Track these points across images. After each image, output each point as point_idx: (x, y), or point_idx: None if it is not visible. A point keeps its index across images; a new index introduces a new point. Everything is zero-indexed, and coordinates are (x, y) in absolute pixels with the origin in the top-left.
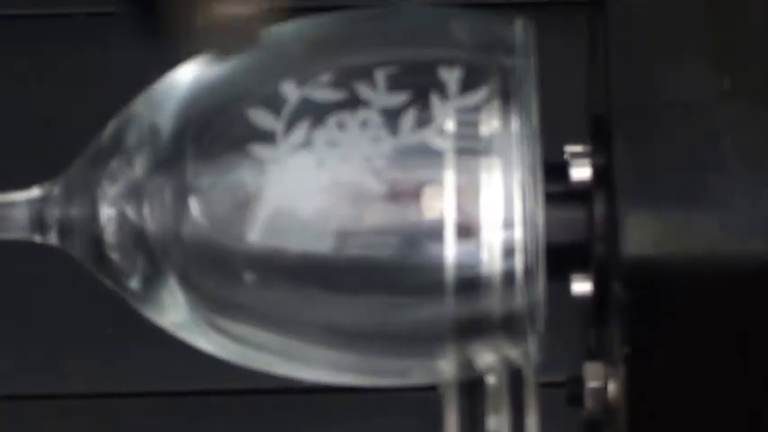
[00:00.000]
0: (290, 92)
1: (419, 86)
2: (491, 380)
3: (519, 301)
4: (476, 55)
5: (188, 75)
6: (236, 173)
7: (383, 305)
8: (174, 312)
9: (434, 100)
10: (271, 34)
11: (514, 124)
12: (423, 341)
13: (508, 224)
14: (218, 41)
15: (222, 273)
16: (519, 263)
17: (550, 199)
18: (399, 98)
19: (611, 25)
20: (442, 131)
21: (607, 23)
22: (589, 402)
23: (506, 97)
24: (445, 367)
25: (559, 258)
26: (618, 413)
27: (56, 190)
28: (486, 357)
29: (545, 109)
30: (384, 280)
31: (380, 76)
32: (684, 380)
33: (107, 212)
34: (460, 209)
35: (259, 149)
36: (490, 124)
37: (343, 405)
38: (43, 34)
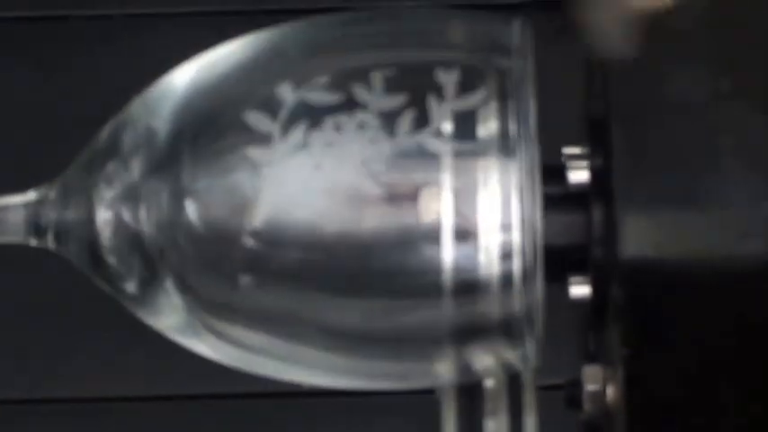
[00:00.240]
0: (287, 94)
1: (416, 88)
2: (489, 383)
3: (517, 303)
4: (473, 57)
5: (184, 77)
6: (232, 175)
7: (380, 308)
8: (170, 316)
9: (431, 102)
10: (267, 37)
11: (512, 126)
12: (420, 344)
13: (506, 227)
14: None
15: (219, 276)
16: (517, 265)
17: (548, 201)
18: (396, 100)
19: None
20: (439, 133)
21: None
22: (587, 405)
23: (504, 99)
24: (443, 370)
25: (557, 261)
26: (616, 416)
27: (52, 193)
28: (485, 360)
29: (542, 111)
30: (381, 283)
31: (377, 78)
32: (683, 383)
33: (103, 215)
34: (458, 211)
35: (256, 152)
36: (488, 126)
37: (341, 408)
38: (39, 38)
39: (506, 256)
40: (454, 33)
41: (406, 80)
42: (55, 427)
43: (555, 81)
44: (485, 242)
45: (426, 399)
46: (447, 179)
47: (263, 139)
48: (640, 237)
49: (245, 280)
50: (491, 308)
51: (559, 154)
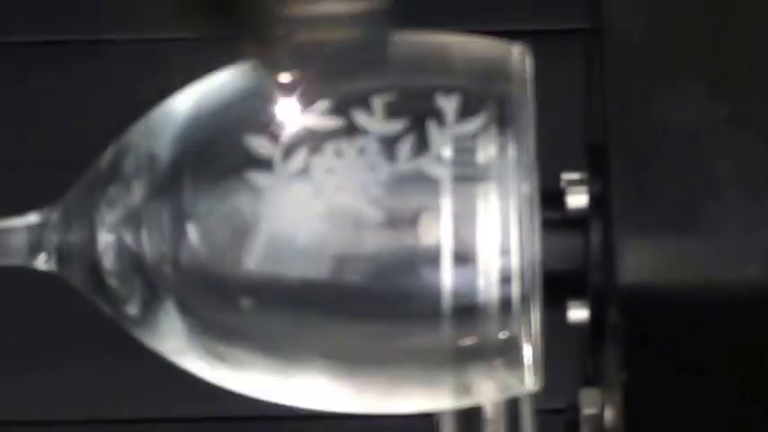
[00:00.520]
0: (288, 119)
1: (416, 114)
2: (488, 407)
3: (516, 328)
4: (473, 82)
5: (185, 102)
6: (233, 200)
7: (380, 332)
8: (171, 338)
9: (432, 127)
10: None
11: (511, 151)
12: (419, 368)
13: (505, 251)
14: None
15: (220, 299)
16: (516, 290)
17: (547, 226)
18: (397, 125)
19: (609, 53)
20: (439, 159)
21: (604, 51)
22: (585, 429)
23: (503, 125)
24: (442, 394)
25: (556, 285)
26: None
27: (54, 216)
28: (483, 384)
29: (542, 136)
30: (381, 307)
31: (378, 103)
32: (680, 406)
33: (105, 239)
34: (457, 236)
35: (256, 176)
36: (487, 151)
37: None
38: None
39: (505, 280)
40: (455, 59)
41: (407, 105)
42: None
43: (554, 106)
44: (484, 267)
45: (425, 423)
46: (447, 204)
47: (264, 164)
48: (638, 262)
49: (245, 303)
50: (490, 332)
51: (558, 179)
